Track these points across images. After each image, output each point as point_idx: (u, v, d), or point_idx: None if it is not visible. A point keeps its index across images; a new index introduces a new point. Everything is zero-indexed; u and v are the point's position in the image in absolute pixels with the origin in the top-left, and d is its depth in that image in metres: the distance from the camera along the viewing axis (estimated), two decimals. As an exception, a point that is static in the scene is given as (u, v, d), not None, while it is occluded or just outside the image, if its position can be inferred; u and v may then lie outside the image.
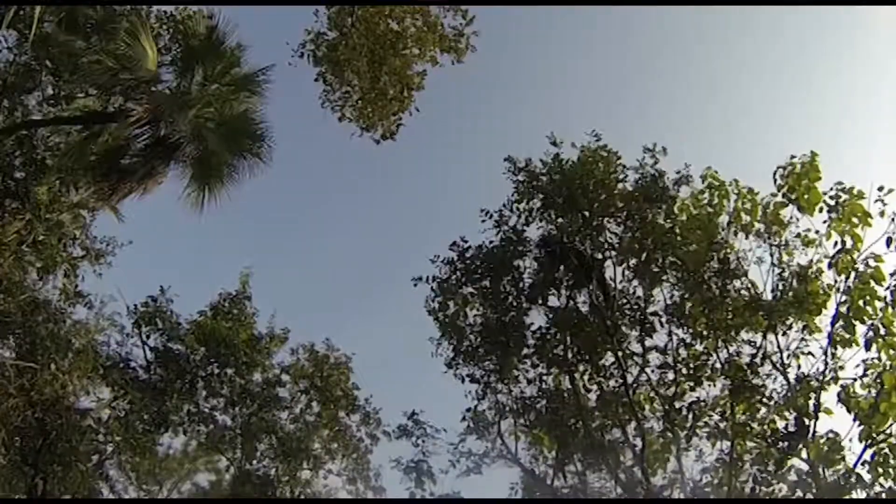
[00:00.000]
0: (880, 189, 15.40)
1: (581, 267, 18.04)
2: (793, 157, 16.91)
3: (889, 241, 15.24)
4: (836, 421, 15.56)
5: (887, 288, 15.32)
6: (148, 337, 23.89)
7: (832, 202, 16.20)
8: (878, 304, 15.34)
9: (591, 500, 18.81)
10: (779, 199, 17.17)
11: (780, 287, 16.84)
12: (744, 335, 17.32)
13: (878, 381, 14.84)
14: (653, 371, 18.13)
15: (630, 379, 18.05)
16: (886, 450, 14.39)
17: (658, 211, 18.05)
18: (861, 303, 15.55)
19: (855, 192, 15.96)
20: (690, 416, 17.41)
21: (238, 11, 15.27)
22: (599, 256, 18.47)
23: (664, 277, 18.02)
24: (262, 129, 15.38)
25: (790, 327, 16.71)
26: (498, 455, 19.52)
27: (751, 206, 17.54)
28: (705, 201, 18.00)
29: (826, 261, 16.31)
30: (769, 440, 16.14)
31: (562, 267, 18.38)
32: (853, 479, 14.37)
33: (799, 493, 15.38)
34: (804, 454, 15.49)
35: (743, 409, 16.80)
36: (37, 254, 18.04)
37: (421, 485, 19.35)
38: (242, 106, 15.41)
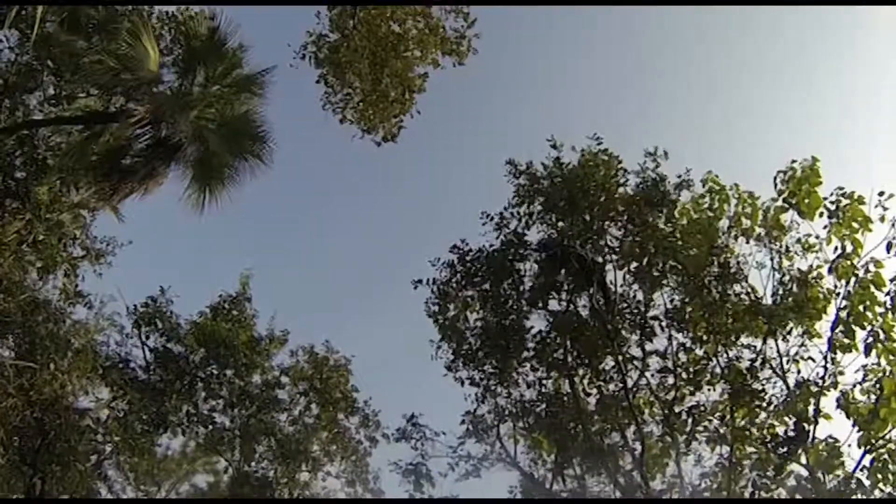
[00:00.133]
0: (881, 194, 15.44)
1: (582, 270, 18.03)
2: (793, 161, 16.93)
3: (889, 247, 15.26)
4: (835, 426, 15.59)
5: (887, 293, 15.34)
6: (147, 337, 23.88)
7: (832, 207, 16.21)
8: (879, 310, 15.37)
9: (588, 499, 18.80)
10: (779, 203, 17.16)
11: (781, 292, 16.84)
12: (744, 340, 17.34)
13: (878, 386, 14.83)
14: (653, 375, 18.16)
15: (630, 383, 18.03)
16: (886, 455, 14.37)
17: (659, 215, 18.04)
18: (861, 308, 15.57)
19: (855, 196, 15.97)
20: (690, 420, 17.39)
21: (240, 12, 15.26)
22: (600, 260, 18.45)
23: (664, 282, 18.02)
24: (264, 130, 15.39)
25: (790, 332, 16.72)
26: (497, 458, 19.52)
27: (751, 211, 17.56)
28: (706, 205, 18.00)
29: (826, 266, 16.32)
30: (769, 445, 16.13)
31: (562, 270, 18.35)
32: (853, 485, 14.33)
33: (798, 498, 15.37)
34: (803, 459, 15.47)
35: (743, 414, 16.79)
36: (37, 253, 18.02)
37: (420, 488, 19.33)
38: (244, 107, 15.41)
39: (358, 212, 42.52)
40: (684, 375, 17.72)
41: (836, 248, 16.13)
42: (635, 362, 18.32)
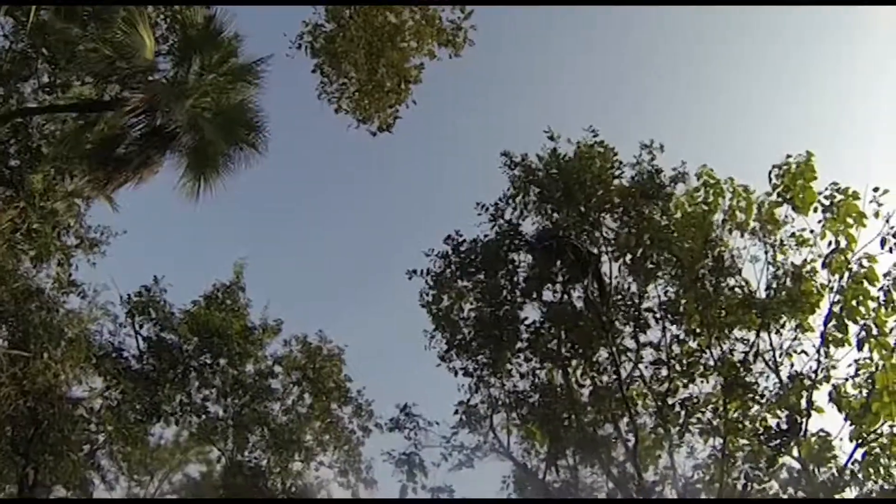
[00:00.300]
0: (875, 190, 15.52)
1: (577, 262, 18.05)
2: (788, 156, 16.98)
3: (883, 242, 15.35)
4: (826, 420, 15.69)
5: (880, 288, 15.44)
6: (141, 327, 23.82)
7: (827, 202, 16.27)
8: (871, 305, 15.44)
9: (589, 500, 18.88)
10: (774, 198, 17.21)
11: (774, 286, 16.90)
12: (737, 333, 17.40)
13: (870, 381, 14.91)
14: (646, 367, 18.21)
15: (623, 374, 18.07)
16: (877, 449, 14.47)
17: (654, 207, 18.06)
18: (854, 303, 15.66)
19: (850, 192, 16.04)
20: (683, 412, 17.46)
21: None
22: (595, 251, 18.47)
23: (659, 274, 18.05)
24: (259, 119, 15.37)
25: (783, 326, 16.80)
26: (490, 449, 19.57)
27: (745, 205, 17.60)
28: (700, 199, 18.04)
29: (820, 260, 16.39)
30: (761, 438, 16.22)
31: (558, 261, 18.37)
32: (847, 476, 14.43)
33: (791, 492, 15.47)
34: (795, 452, 15.57)
35: (735, 407, 16.86)
36: (30, 242, 17.91)
37: (413, 477, 19.38)
38: (239, 96, 15.38)
39: (353, 201, 42.56)
40: (678, 367, 17.78)
41: (829, 243, 16.23)
42: (629, 354, 18.37)
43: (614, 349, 18.03)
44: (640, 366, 18.22)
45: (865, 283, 15.58)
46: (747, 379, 16.82)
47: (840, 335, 15.85)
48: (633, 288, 18.48)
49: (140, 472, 27.49)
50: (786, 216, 17.15)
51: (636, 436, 17.68)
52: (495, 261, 19.00)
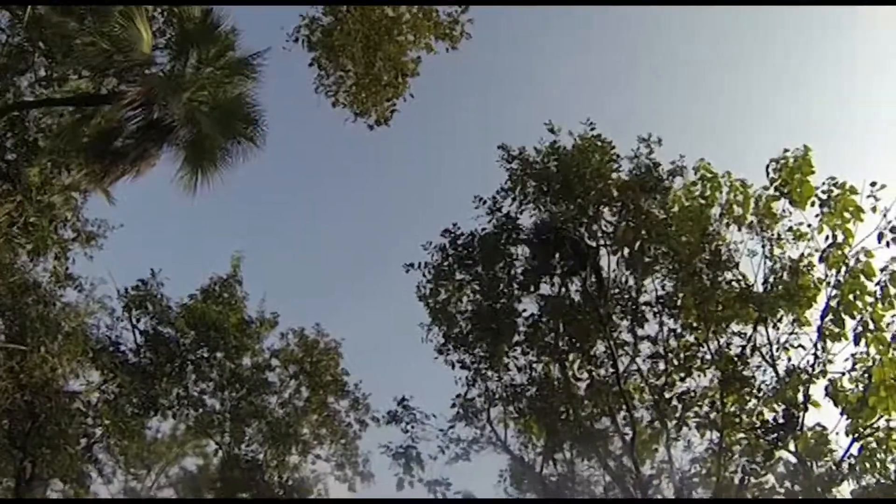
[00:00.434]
0: (872, 185, 15.52)
1: (575, 255, 18.04)
2: (786, 150, 16.98)
3: (880, 237, 15.34)
4: (822, 414, 15.73)
5: (877, 283, 15.43)
6: (138, 320, 23.79)
7: (824, 196, 16.28)
8: (868, 299, 15.45)
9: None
10: (771, 192, 17.21)
11: (772, 280, 16.92)
12: (734, 327, 17.42)
13: (867, 375, 14.95)
14: (644, 361, 18.21)
15: (621, 368, 18.09)
16: (874, 444, 14.52)
17: (653, 201, 18.06)
18: (851, 297, 15.67)
19: (847, 187, 16.04)
20: (680, 406, 17.48)
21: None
22: (594, 245, 18.47)
23: (656, 268, 18.06)
24: (256, 113, 15.36)
25: (780, 320, 16.81)
26: (487, 442, 19.58)
27: (743, 199, 17.60)
28: (697, 193, 18.04)
29: (817, 255, 16.40)
30: (758, 432, 16.27)
31: (556, 254, 18.36)
32: (845, 469, 14.47)
33: (787, 485, 15.52)
34: (792, 446, 15.61)
35: (732, 401, 16.89)
36: (27, 236, 17.88)
37: (409, 471, 19.36)
38: (236, 90, 15.36)
39: (350, 195, 42.54)
40: (675, 361, 17.80)
41: (827, 238, 16.23)
42: (626, 348, 18.38)
43: (611, 343, 18.03)
44: (638, 359, 18.23)
45: (862, 278, 15.59)
46: (744, 373, 16.84)
47: (837, 330, 15.86)
48: (631, 281, 18.47)
49: (137, 466, 27.56)
50: (783, 210, 17.15)
51: (633, 429, 17.71)
52: (493, 254, 18.99)
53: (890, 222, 15.26)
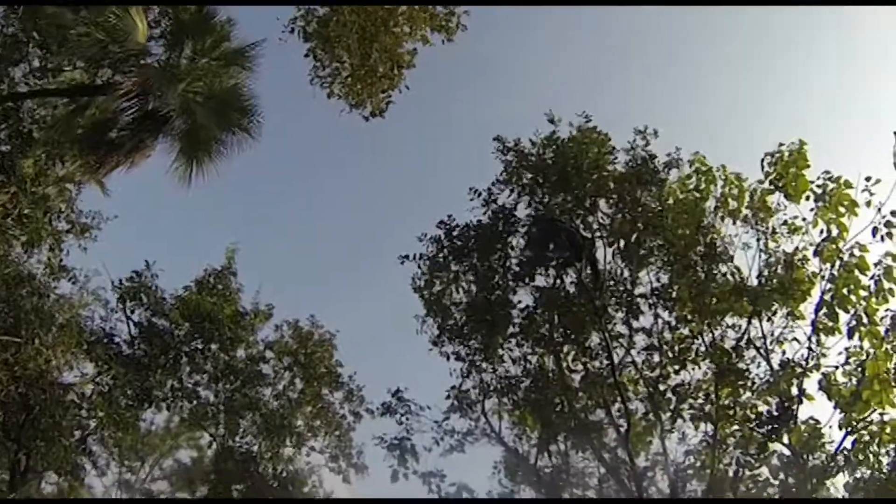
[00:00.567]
0: (867, 179, 15.53)
1: (571, 246, 18.06)
2: (781, 144, 17.01)
3: (874, 232, 15.38)
4: (816, 408, 15.79)
5: (871, 277, 15.48)
6: (132, 312, 23.72)
7: (819, 190, 16.32)
8: (862, 294, 15.50)
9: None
10: (766, 185, 17.25)
11: (766, 273, 16.97)
12: (728, 320, 17.46)
13: (860, 369, 15.01)
14: (638, 353, 18.26)
15: (615, 360, 18.13)
16: (867, 437, 14.59)
17: (649, 193, 18.09)
18: (845, 291, 15.72)
19: (842, 181, 16.08)
20: (675, 398, 17.53)
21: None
22: (590, 236, 18.48)
23: (651, 260, 18.10)
24: (251, 103, 15.35)
25: (775, 313, 16.86)
26: (481, 434, 19.65)
27: (738, 192, 17.63)
28: (692, 186, 18.07)
29: (812, 249, 16.44)
30: (753, 424, 16.34)
31: (552, 246, 18.37)
32: (841, 460, 14.54)
33: (781, 477, 15.60)
34: (786, 439, 15.68)
35: (727, 394, 16.95)
36: (21, 227, 17.81)
37: (404, 462, 19.43)
38: (231, 80, 15.35)
39: (345, 186, 42.42)
40: (669, 354, 17.84)
41: (821, 232, 16.27)
42: (621, 340, 18.42)
43: (606, 335, 18.07)
44: (632, 352, 18.28)
45: (856, 272, 15.64)
46: (739, 366, 16.89)
47: (831, 324, 15.93)
48: (626, 273, 18.50)
49: (131, 458, 27.51)
50: (778, 204, 17.18)
51: (628, 421, 17.76)
52: (488, 245, 19.01)
53: (884, 217, 15.28)
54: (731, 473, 16.54)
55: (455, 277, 19.39)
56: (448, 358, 19.41)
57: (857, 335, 15.25)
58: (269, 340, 25.76)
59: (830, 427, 15.26)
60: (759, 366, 16.96)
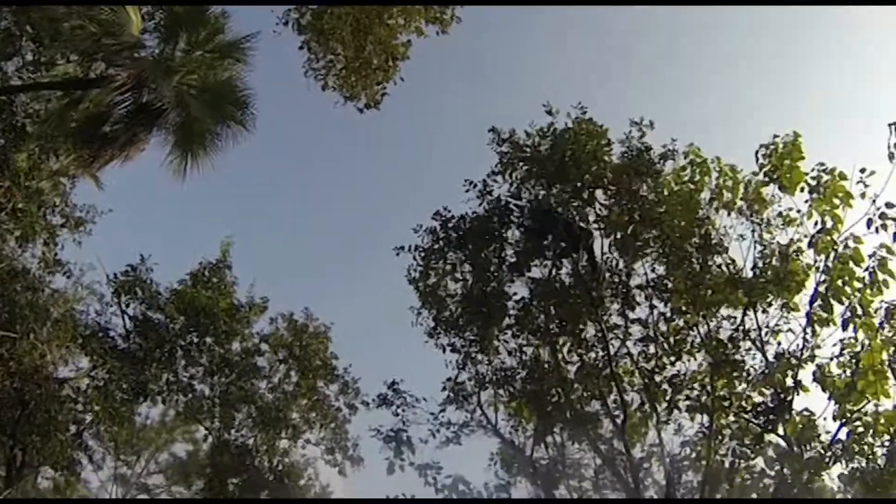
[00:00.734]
0: (862, 171, 15.51)
1: (568, 237, 18.05)
2: (775, 136, 17.01)
3: (869, 223, 15.36)
4: (810, 399, 15.83)
5: (866, 269, 15.48)
6: (127, 306, 23.78)
7: (814, 182, 16.33)
8: (857, 285, 15.52)
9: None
10: (760, 177, 17.26)
11: (761, 265, 16.99)
12: (723, 311, 17.49)
13: (854, 360, 15.06)
14: (634, 344, 18.27)
15: (611, 351, 18.15)
16: (861, 428, 14.64)
17: (645, 184, 18.08)
18: (840, 283, 15.72)
19: (837, 172, 16.09)
20: (670, 389, 17.57)
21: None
22: (587, 227, 18.47)
23: (647, 251, 18.11)
24: (246, 96, 15.34)
25: (770, 305, 16.88)
26: (478, 425, 19.60)
27: (732, 184, 17.63)
28: (686, 177, 18.07)
29: (806, 240, 16.47)
30: (749, 415, 16.39)
31: (549, 237, 18.37)
32: (839, 450, 14.58)
33: (777, 468, 15.65)
34: (781, 430, 15.74)
35: (722, 385, 16.99)
36: (16, 222, 17.82)
37: (400, 454, 19.37)
38: (226, 73, 15.36)
39: (340, 178, 42.48)
40: (665, 345, 17.87)
41: (816, 223, 16.26)
42: (616, 331, 18.44)
43: (603, 326, 18.09)
44: (628, 343, 18.29)
45: (851, 264, 15.65)
46: (734, 357, 16.93)
47: (825, 315, 15.95)
48: (621, 265, 18.51)
49: (127, 452, 27.53)
50: (772, 195, 17.18)
51: (624, 412, 17.80)
52: (483, 236, 18.97)
53: (879, 208, 15.26)
54: (727, 464, 16.59)
55: (451, 269, 19.36)
56: (444, 350, 19.38)
57: (851, 326, 15.27)
58: (265, 333, 25.90)
59: (825, 419, 15.31)
60: (754, 357, 16.99)
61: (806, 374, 15.78)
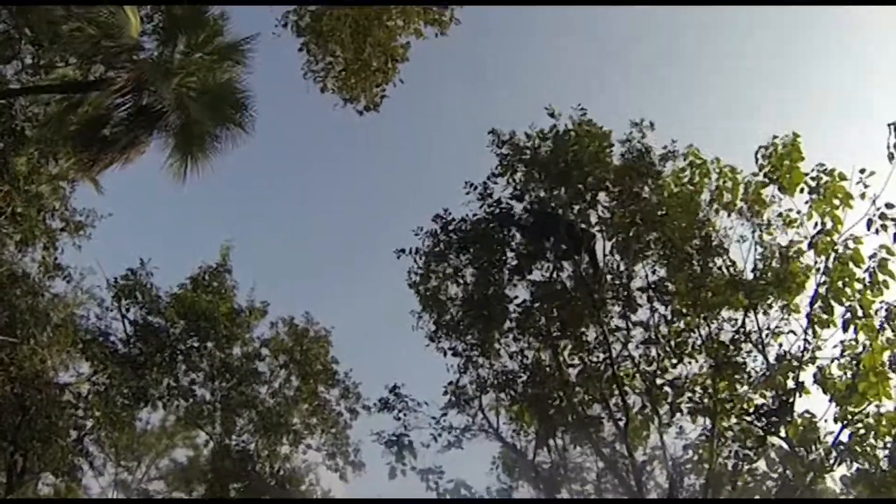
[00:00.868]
0: (862, 171, 15.45)
1: (570, 239, 18.01)
2: (775, 137, 16.97)
3: (869, 224, 15.29)
4: (812, 401, 15.76)
5: (866, 270, 15.41)
6: (127, 310, 23.75)
7: (813, 183, 16.29)
8: (857, 286, 15.45)
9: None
10: (760, 178, 17.22)
11: (761, 266, 16.94)
12: (724, 313, 17.42)
13: (854, 362, 14.99)
14: (636, 347, 18.20)
15: (613, 354, 18.09)
16: (863, 430, 14.57)
17: (647, 186, 18.05)
18: (840, 284, 15.64)
19: (837, 173, 16.04)
20: (672, 392, 17.50)
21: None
22: (589, 229, 18.43)
23: (648, 253, 18.07)
24: (245, 98, 15.35)
25: (770, 306, 16.82)
26: (479, 429, 19.54)
27: (732, 185, 17.59)
28: (686, 179, 18.03)
29: (806, 241, 16.41)
30: (751, 417, 16.31)
31: (550, 239, 18.33)
32: (843, 452, 14.50)
33: (780, 471, 15.58)
34: (783, 433, 15.66)
35: (724, 387, 16.92)
36: (15, 226, 17.82)
37: (402, 459, 19.29)
38: (225, 75, 15.41)
39: (339, 180, 42.49)
40: (667, 348, 17.80)
41: (816, 224, 16.20)
42: (617, 334, 18.37)
43: (604, 328, 18.03)
44: (630, 346, 18.22)
45: (851, 265, 15.57)
46: (736, 359, 16.86)
47: (826, 316, 15.88)
48: (622, 267, 18.46)
49: (128, 458, 27.49)
50: (772, 196, 17.13)
51: (626, 416, 17.72)
52: (484, 239, 18.94)
53: (879, 209, 15.19)
54: (730, 467, 16.50)
55: (452, 272, 19.32)
56: (445, 353, 19.32)
57: (852, 327, 15.19)
58: (265, 338, 25.82)
59: (826, 421, 15.23)
60: (755, 359, 16.91)
61: (807, 376, 15.72)
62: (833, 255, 15.83)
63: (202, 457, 28.29)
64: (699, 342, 17.49)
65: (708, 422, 16.96)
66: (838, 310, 15.56)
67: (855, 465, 14.37)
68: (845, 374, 15.18)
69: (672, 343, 17.80)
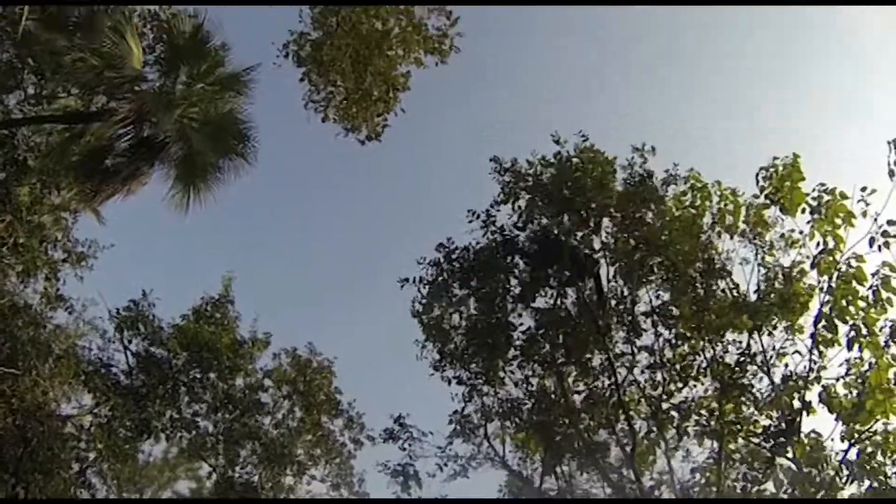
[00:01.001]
0: (863, 190, 15.47)
1: (574, 265, 18.00)
2: (775, 158, 17.03)
3: (871, 242, 15.29)
4: (818, 421, 15.65)
5: (869, 288, 15.38)
6: (130, 342, 23.60)
7: (815, 203, 16.30)
8: (861, 304, 15.40)
9: (584, 500, 18.78)
10: (761, 200, 17.25)
11: (765, 287, 16.92)
12: (729, 335, 17.38)
13: (861, 380, 14.92)
14: (642, 371, 18.14)
15: (619, 379, 18.02)
16: (871, 448, 14.46)
17: (650, 211, 18.09)
18: (844, 303, 15.59)
19: (838, 192, 16.06)
20: (678, 416, 17.40)
21: (223, 11, 15.24)
22: (591, 254, 18.43)
23: (651, 277, 18.06)
24: (247, 128, 15.38)
25: (775, 327, 16.79)
26: (485, 458, 19.46)
27: (733, 208, 17.64)
28: (688, 202, 18.09)
29: (809, 261, 16.39)
30: (758, 439, 16.20)
31: (554, 266, 18.32)
32: (846, 473, 14.39)
33: (789, 491, 15.42)
34: (790, 454, 15.54)
35: (730, 409, 16.82)
36: (17, 256, 17.82)
37: (407, 489, 19.20)
38: (227, 105, 15.40)
39: (341, 209, 42.40)
40: (672, 371, 17.73)
41: (818, 244, 16.19)
42: (623, 359, 18.32)
43: (610, 354, 17.98)
44: (634, 370, 18.16)
45: (854, 283, 15.54)
46: (742, 381, 16.78)
47: (830, 335, 15.82)
48: (626, 292, 18.44)
49: (130, 490, 27.19)
50: (774, 217, 17.17)
51: (633, 440, 17.62)
52: (488, 267, 18.93)
53: (881, 227, 15.19)
54: (739, 489, 16.35)
55: (455, 302, 19.28)
56: (449, 382, 19.28)
57: (856, 346, 15.13)
58: (268, 369, 25.68)
59: (833, 440, 15.12)
60: (761, 380, 16.86)
61: (813, 396, 15.62)
62: (836, 274, 15.80)
63: (205, 489, 28.03)
64: (704, 365, 17.46)
65: (715, 444, 16.87)
66: (843, 328, 15.51)
67: (866, 483, 14.23)
68: (851, 392, 15.12)
69: (677, 367, 17.76)
